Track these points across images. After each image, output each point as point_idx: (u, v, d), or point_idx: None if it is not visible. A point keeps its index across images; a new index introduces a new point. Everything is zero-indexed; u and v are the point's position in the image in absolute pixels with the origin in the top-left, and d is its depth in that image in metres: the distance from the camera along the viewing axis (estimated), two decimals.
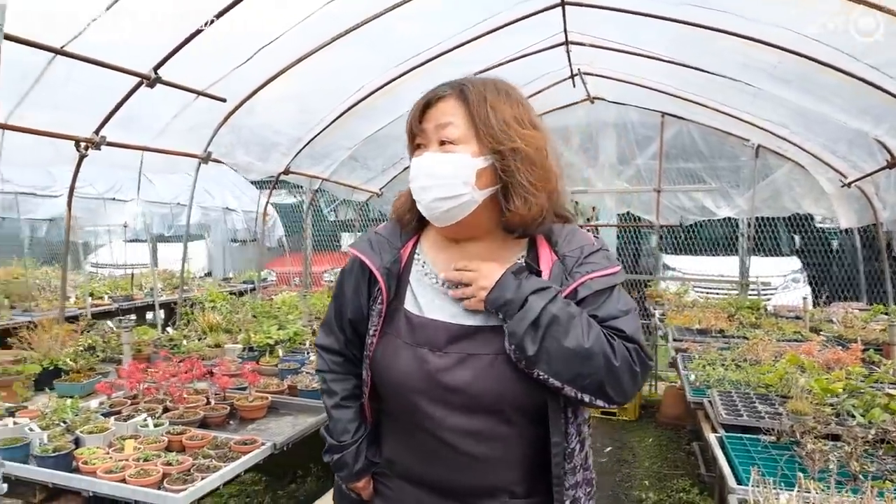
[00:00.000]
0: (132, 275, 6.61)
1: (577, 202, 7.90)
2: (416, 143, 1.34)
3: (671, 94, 5.66)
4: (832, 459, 1.82)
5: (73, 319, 4.86)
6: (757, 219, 7.80)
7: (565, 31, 4.71)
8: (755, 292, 6.54)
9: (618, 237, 9.20)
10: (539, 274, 1.31)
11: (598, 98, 6.49)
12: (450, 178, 1.25)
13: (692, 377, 3.02)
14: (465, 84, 1.30)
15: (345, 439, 1.45)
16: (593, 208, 8.28)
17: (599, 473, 4.62)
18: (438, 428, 1.28)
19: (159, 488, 1.93)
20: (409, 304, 1.35)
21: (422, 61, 4.73)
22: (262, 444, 2.28)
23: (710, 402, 2.66)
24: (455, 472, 1.29)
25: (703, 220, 7.04)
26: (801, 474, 1.63)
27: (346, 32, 3.99)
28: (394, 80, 4.84)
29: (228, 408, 2.64)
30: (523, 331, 1.20)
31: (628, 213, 7.20)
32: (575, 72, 5.68)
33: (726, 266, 7.46)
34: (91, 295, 5.69)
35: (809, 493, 1.66)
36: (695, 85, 5.28)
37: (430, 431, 1.29)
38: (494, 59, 5.09)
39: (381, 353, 1.35)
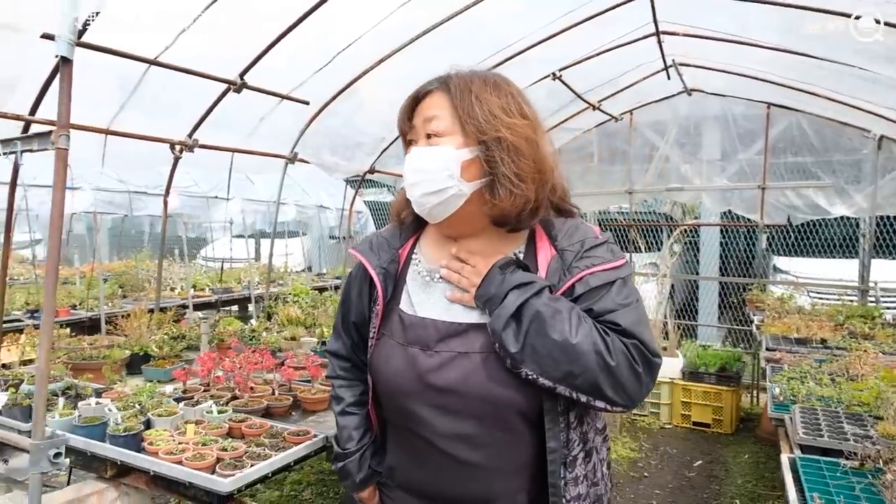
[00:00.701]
0: (222, 268, 7.04)
1: (682, 203, 7.51)
2: (407, 139, 1.33)
3: (777, 84, 5.24)
4: None
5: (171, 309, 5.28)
6: (886, 218, 7.06)
7: (655, 21, 4.48)
8: (874, 299, 5.91)
9: (721, 237, 8.67)
10: (527, 268, 1.25)
11: (696, 90, 6.14)
12: (434, 172, 1.23)
13: (776, 391, 2.77)
14: (451, 76, 1.28)
15: (349, 447, 1.43)
16: (695, 205, 7.86)
17: (686, 488, 4.38)
18: (431, 433, 1.24)
19: (213, 472, 2.03)
20: (403, 304, 1.33)
21: (506, 57, 4.66)
22: (315, 435, 2.34)
23: (791, 418, 2.43)
24: (451, 481, 1.25)
25: (817, 220, 6.47)
26: None
27: (425, 32, 4.01)
28: None
29: (292, 399, 2.74)
30: (501, 327, 1.16)
31: (729, 211, 6.75)
32: (669, 63, 5.40)
33: (847, 270, 6.81)
34: (194, 287, 6.15)
35: None
36: (804, 73, 4.85)
37: (424, 437, 1.25)
38: (581, 52, 4.96)
39: (377, 355, 1.33)
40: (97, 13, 2.54)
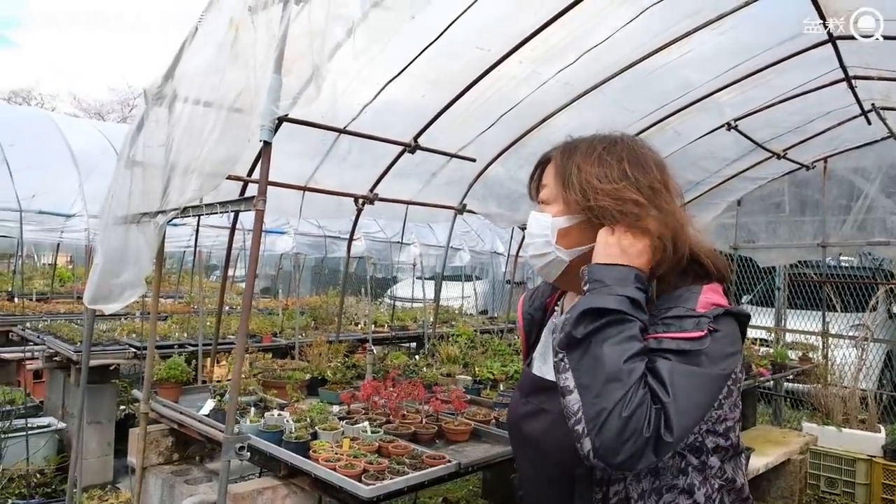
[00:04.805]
0: (394, 307, 7.67)
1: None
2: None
3: None
4: None
5: (359, 342, 5.94)
6: None
7: (842, 66, 4.23)
8: None
9: None
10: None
11: None
12: (536, 237, 1.28)
13: None
14: (562, 146, 1.31)
15: None
16: None
17: None
18: (521, 475, 1.39)
19: (359, 480, 2.36)
20: (535, 350, 1.46)
21: (679, 107, 4.67)
22: (449, 461, 2.58)
23: None
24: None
25: None
26: None
27: (586, 93, 4.22)
28: (647, 128, 4.85)
29: (437, 428, 3.02)
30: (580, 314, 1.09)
31: None
32: (867, 108, 4.98)
33: None
34: (375, 323, 6.84)
35: None
36: None
37: (521, 476, 1.40)
38: (761, 100, 4.79)
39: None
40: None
